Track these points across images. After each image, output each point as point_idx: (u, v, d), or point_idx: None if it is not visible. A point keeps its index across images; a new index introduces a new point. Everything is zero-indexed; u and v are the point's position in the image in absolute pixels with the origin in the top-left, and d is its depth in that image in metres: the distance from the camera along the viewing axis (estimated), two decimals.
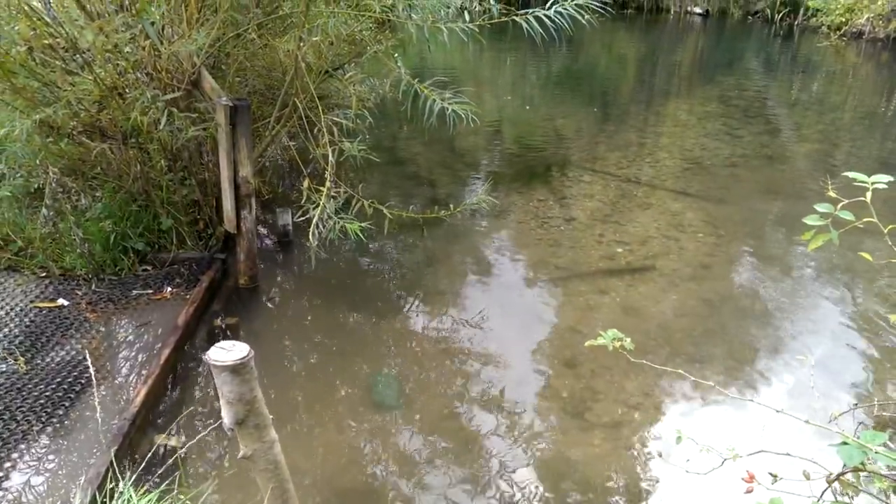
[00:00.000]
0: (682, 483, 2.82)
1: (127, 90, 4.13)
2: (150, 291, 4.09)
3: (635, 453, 3.03)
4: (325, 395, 3.39)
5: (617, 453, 3.03)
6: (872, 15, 13.71)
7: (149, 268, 4.34)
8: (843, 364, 3.68)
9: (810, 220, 1.52)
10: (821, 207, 1.50)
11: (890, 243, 1.76)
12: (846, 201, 1.51)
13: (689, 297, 4.34)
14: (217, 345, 1.68)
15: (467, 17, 4.18)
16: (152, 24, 3.87)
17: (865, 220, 1.68)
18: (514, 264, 4.86)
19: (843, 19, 14.27)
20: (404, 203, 5.61)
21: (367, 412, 3.28)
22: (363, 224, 3.92)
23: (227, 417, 1.71)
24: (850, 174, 1.51)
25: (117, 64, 4.15)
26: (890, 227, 1.62)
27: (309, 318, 4.14)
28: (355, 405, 3.33)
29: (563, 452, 3.04)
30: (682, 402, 3.38)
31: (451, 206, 4.76)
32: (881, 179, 1.50)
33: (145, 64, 4.18)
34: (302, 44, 4.09)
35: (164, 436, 2.96)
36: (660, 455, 2.99)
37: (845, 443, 1.51)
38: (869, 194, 1.52)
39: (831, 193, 1.59)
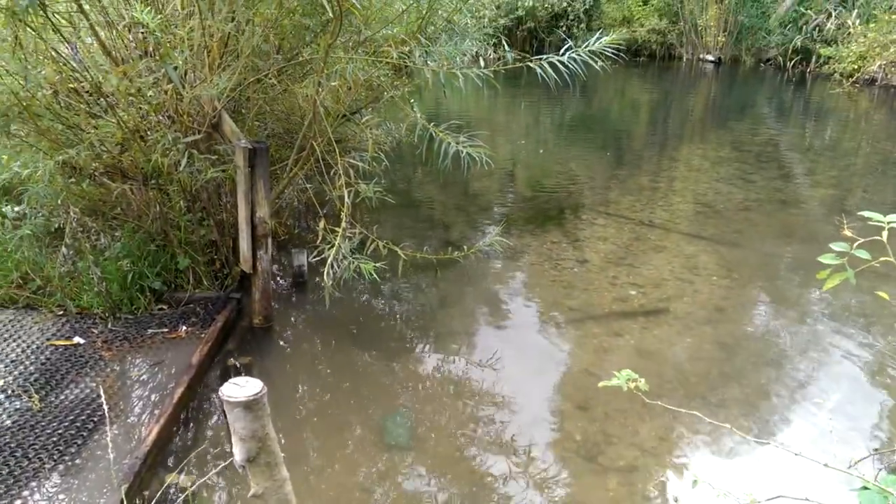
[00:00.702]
0: None
1: (148, 132, 4.25)
2: (166, 330, 4.12)
3: (650, 498, 2.97)
4: (336, 436, 3.37)
5: (632, 499, 2.96)
6: (885, 62, 13.82)
7: (165, 307, 4.39)
8: (861, 409, 3.60)
9: (826, 259, 1.52)
10: (836, 246, 1.51)
11: None
12: (862, 240, 1.51)
13: (704, 341, 4.30)
14: (230, 381, 1.69)
15: (482, 64, 4.29)
16: (175, 68, 4.00)
17: (882, 259, 1.68)
18: (527, 306, 4.85)
19: (856, 66, 14.39)
20: (418, 244, 5.65)
21: (379, 453, 3.25)
22: (377, 264, 3.95)
23: (238, 454, 1.71)
24: (866, 213, 1.52)
25: (140, 107, 4.27)
26: None
27: (322, 358, 4.14)
28: (367, 446, 3.30)
29: (577, 497, 2.98)
30: (698, 446, 3.31)
31: (465, 247, 4.78)
32: None
33: (167, 107, 4.31)
34: (320, 89, 4.19)
35: (174, 475, 2.95)
36: (676, 500, 2.92)
37: (866, 487, 1.48)
38: (885, 233, 1.53)
39: (847, 233, 1.59)
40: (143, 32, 4.08)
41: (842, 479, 1.56)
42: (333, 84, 4.19)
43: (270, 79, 4.64)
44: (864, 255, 1.51)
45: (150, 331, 4.09)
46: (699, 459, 3.22)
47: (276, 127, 5.44)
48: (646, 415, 3.47)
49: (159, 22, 3.79)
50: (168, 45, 4.06)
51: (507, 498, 2.97)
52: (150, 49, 4.26)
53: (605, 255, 5.60)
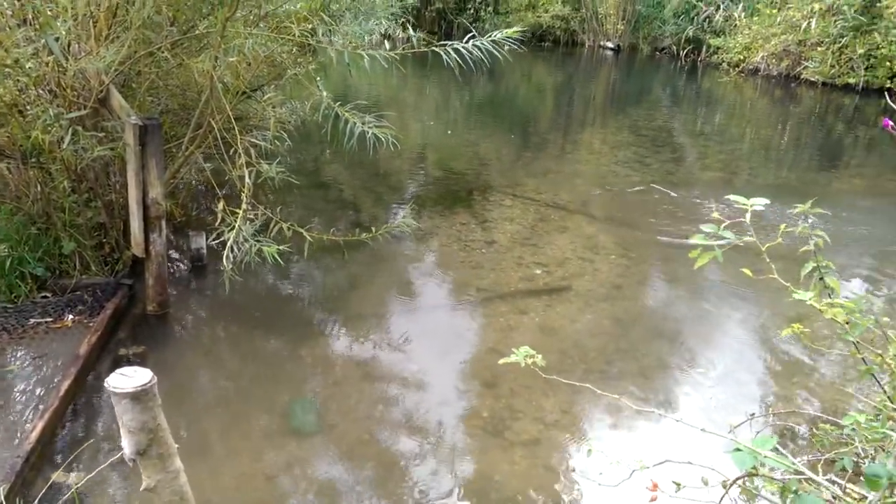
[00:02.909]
0: (596, 496, 2.89)
1: (28, 107, 3.93)
2: (50, 319, 3.86)
3: (553, 469, 3.08)
4: (239, 424, 3.28)
5: (535, 470, 3.07)
6: (766, 53, 14.79)
7: (49, 294, 4.10)
8: (744, 377, 3.89)
9: (697, 239, 1.62)
10: (706, 227, 1.61)
11: (768, 260, 1.90)
12: (728, 221, 1.62)
13: (602, 317, 4.49)
14: (117, 371, 1.61)
15: (388, 46, 4.24)
16: (57, 39, 3.71)
17: (746, 238, 1.81)
18: (436, 287, 4.89)
19: (741, 56, 15.31)
20: (326, 226, 5.56)
21: (285, 440, 3.19)
22: (281, 247, 3.85)
23: (127, 447, 1.63)
24: (732, 197, 1.63)
25: (18, 80, 3.95)
26: (767, 245, 1.74)
27: (223, 344, 4.01)
28: (272, 433, 3.24)
29: (484, 472, 3.05)
30: (595, 418, 3.47)
31: (374, 229, 4.75)
32: (758, 202, 1.62)
33: (48, 80, 4.00)
34: (217, 64, 4.01)
35: (60, 472, 2.78)
36: (574, 470, 3.05)
37: (738, 449, 1.60)
38: (748, 215, 1.64)
39: (716, 215, 1.70)
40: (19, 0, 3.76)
41: (727, 443, 1.68)
42: (232, 59, 4.02)
43: (164, 52, 4.39)
44: (729, 235, 1.62)
45: (31, 320, 3.82)
46: (596, 430, 3.38)
47: (171, 103, 5.16)
48: (549, 390, 3.59)
49: None
50: (48, 13, 3.76)
51: (417, 477, 3.01)
52: (30, 17, 3.93)
53: (512, 236, 5.72)
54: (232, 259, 3.68)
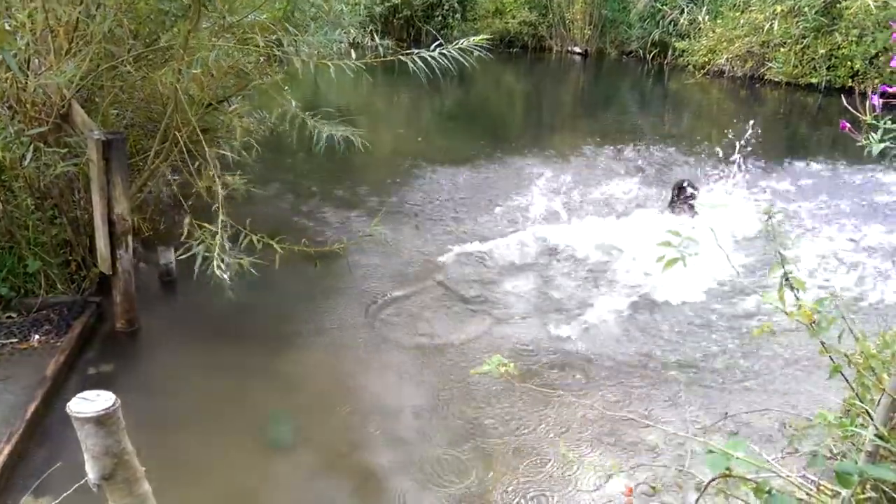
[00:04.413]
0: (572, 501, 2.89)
1: None
2: (15, 340, 3.76)
3: (532, 477, 3.07)
4: (213, 441, 3.23)
5: (515, 476, 3.05)
6: (731, 55, 15.05)
7: (13, 315, 4.00)
8: (718, 378, 3.93)
9: (661, 246, 1.64)
10: (671, 232, 1.63)
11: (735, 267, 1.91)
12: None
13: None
14: (79, 395, 1.57)
15: (354, 55, 4.23)
16: (14, 55, 3.63)
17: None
18: (411, 294, 4.86)
19: (706, 59, 15.55)
20: (296, 237, 5.49)
21: (260, 456, 3.15)
22: (251, 258, 3.81)
23: (91, 473, 1.59)
24: (704, 202, 1.64)
25: None
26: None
27: (194, 361, 3.94)
28: (247, 450, 3.19)
29: (467, 479, 3.03)
30: (571, 424, 3.47)
31: (345, 239, 4.72)
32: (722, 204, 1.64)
33: (8, 97, 3.91)
34: (182, 76, 3.96)
35: (28, 496, 2.70)
36: (550, 477, 3.04)
37: (711, 451, 1.61)
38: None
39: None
40: None
41: (699, 445, 1.69)
42: (196, 71, 3.97)
43: (127, 66, 4.32)
44: (695, 241, 1.64)
45: None
46: (574, 438, 3.37)
47: (136, 116, 5.08)
48: (525, 396, 3.59)
49: None
50: (4, 29, 3.67)
51: (396, 489, 2.98)
52: None
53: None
54: (224, 268, 3.61)
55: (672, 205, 6.21)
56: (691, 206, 5.94)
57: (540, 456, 3.21)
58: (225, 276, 3.63)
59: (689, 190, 6.09)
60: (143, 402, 3.40)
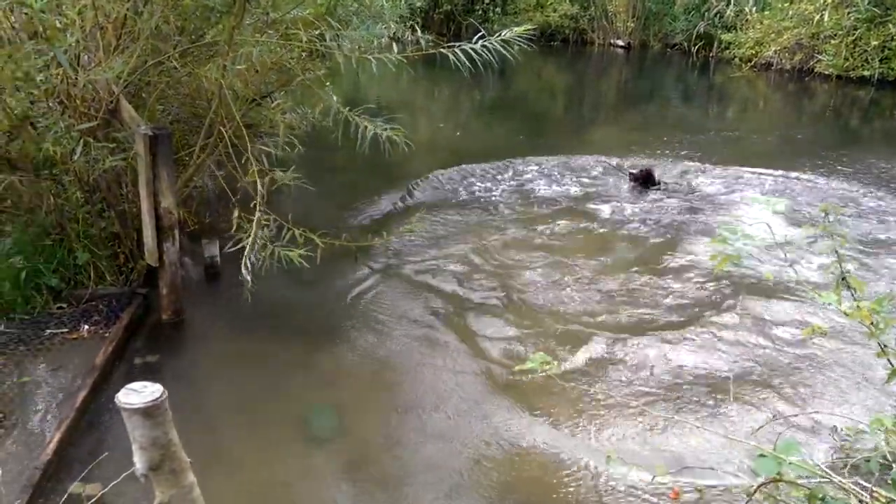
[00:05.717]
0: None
1: (39, 119, 3.95)
2: (66, 330, 3.88)
3: (573, 474, 3.02)
4: (256, 433, 3.27)
5: (555, 475, 3.02)
6: (779, 48, 14.61)
7: (64, 305, 4.12)
8: (766, 380, 3.81)
9: (716, 243, 1.59)
10: (724, 230, 1.57)
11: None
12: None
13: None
14: (127, 386, 1.60)
15: (395, 49, 4.22)
16: (65, 51, 3.72)
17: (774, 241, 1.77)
18: (454, 292, 4.80)
19: (753, 51, 15.13)
20: (337, 231, 5.53)
21: (302, 448, 3.18)
22: (302, 251, 3.84)
23: (139, 463, 1.62)
24: (754, 197, 1.58)
25: (29, 92, 3.96)
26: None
27: (238, 352, 4.00)
28: (288, 440, 3.22)
29: (506, 479, 3.01)
30: (614, 423, 3.41)
31: (385, 233, 4.73)
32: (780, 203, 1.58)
33: (59, 92, 4.02)
34: (226, 72, 4.01)
35: (78, 484, 2.78)
36: (593, 476, 2.99)
37: (762, 455, 1.55)
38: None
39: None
40: (26, 13, 3.77)
41: (750, 448, 1.63)
42: (240, 67, 4.01)
43: (173, 62, 4.40)
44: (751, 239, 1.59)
45: (48, 332, 3.84)
46: (615, 435, 3.31)
47: (182, 112, 5.18)
48: (564, 394, 3.55)
49: (46, 2, 3.51)
50: (55, 26, 3.77)
51: (433, 483, 2.97)
52: (39, 30, 3.94)
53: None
54: (249, 267, 3.66)
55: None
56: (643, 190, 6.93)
57: (584, 457, 3.15)
58: (249, 275, 3.65)
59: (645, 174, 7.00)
60: (186, 392, 3.47)
